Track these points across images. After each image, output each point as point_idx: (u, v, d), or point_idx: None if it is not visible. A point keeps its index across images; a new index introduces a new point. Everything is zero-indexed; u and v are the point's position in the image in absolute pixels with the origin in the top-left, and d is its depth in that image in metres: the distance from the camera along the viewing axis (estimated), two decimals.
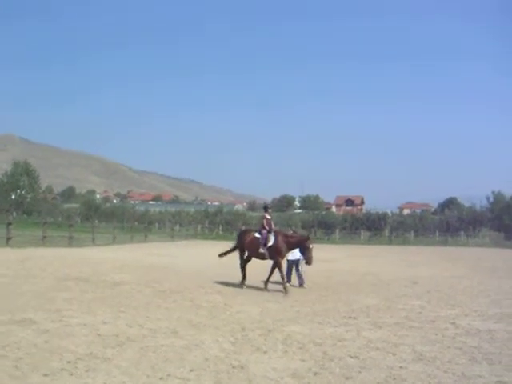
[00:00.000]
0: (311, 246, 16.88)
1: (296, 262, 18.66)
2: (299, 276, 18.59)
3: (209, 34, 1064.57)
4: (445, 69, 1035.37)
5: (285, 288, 16.58)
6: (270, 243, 17.04)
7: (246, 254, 18.06)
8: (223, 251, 19.10)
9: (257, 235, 17.57)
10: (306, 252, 16.85)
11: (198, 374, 7.49)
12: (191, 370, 7.66)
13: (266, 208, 18.84)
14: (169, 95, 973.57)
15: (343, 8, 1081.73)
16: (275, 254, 17.02)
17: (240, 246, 18.20)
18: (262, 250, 17.19)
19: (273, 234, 17.23)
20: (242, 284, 17.64)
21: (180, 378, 7.29)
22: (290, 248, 17.33)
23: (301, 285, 18.30)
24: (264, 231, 17.34)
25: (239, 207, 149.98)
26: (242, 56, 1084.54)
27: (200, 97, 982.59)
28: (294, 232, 21.28)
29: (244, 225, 72.92)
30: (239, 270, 18.03)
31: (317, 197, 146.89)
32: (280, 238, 17.06)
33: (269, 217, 17.82)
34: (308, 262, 16.92)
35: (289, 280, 18.36)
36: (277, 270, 17.04)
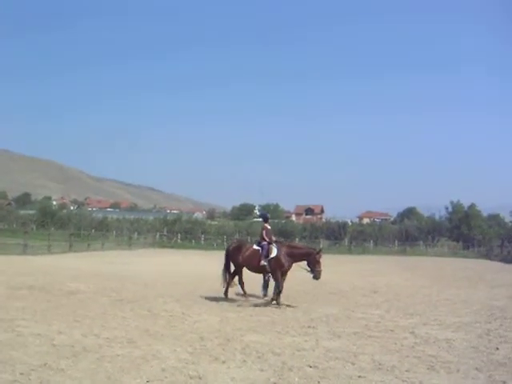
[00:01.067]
0: (321, 259, 16.10)
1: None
2: (267, 286, 17.52)
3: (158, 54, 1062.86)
4: (403, 79, 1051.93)
5: (278, 301, 15.80)
6: (273, 255, 16.19)
7: (242, 268, 17.07)
8: (227, 280, 17.20)
9: (256, 247, 16.73)
10: (316, 265, 15.93)
11: None
12: (148, 381, 7.53)
13: (265, 218, 17.87)
14: (128, 104, 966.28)
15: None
16: (276, 266, 16.16)
17: (235, 261, 17.02)
18: (263, 262, 16.22)
19: (275, 245, 16.53)
20: (225, 295, 16.85)
21: None
22: (296, 260, 16.30)
23: (265, 295, 17.37)
24: (264, 243, 16.56)
25: (198, 215, 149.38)
26: (197, 70, 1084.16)
27: (158, 106, 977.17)
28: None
29: (204, 233, 72.81)
30: (221, 281, 17.27)
31: (276, 205, 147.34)
32: (283, 250, 16.29)
33: (269, 227, 17.13)
34: (316, 276, 16.03)
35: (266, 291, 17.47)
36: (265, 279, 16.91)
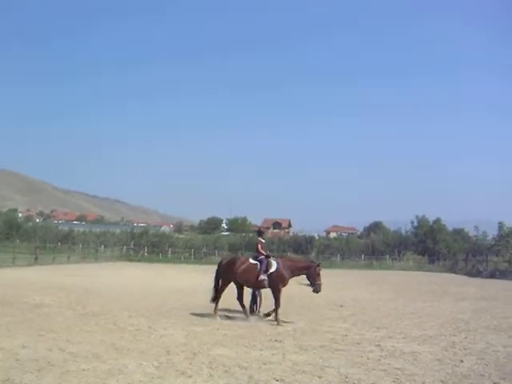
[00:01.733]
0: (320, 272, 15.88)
1: None
2: (256, 300, 17.05)
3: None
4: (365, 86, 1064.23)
5: (277, 319, 15.21)
6: (273, 269, 15.60)
7: (238, 284, 16.22)
8: (213, 295, 16.29)
9: (253, 261, 15.94)
10: (316, 279, 15.70)
11: None
12: None
13: (260, 233, 17.48)
14: (90, 109, 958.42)
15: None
16: (278, 281, 15.62)
17: (229, 277, 16.01)
18: (262, 277, 15.50)
19: (273, 259, 16.06)
20: (247, 315, 15.93)
21: None
22: (295, 274, 15.95)
23: (253, 310, 16.82)
24: (262, 257, 15.94)
25: (166, 228, 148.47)
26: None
27: (122, 119, 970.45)
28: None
29: (171, 247, 72.29)
30: (208, 298, 16.42)
31: (244, 219, 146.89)
32: (282, 264, 15.79)
33: (263, 241, 16.73)
34: (317, 289, 15.79)
35: (255, 306, 16.94)
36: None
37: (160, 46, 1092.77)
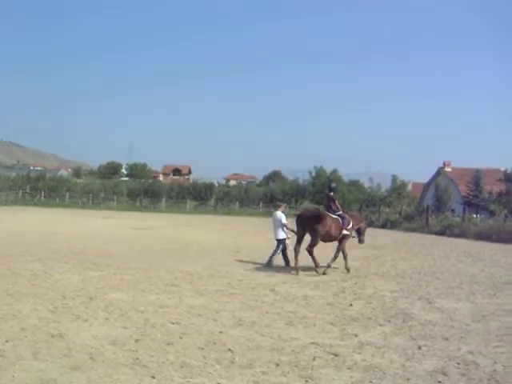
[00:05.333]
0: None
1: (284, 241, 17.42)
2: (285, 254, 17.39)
3: None
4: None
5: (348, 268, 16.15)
6: (351, 225, 16.47)
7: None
8: (296, 251, 15.85)
9: (334, 216, 16.04)
10: (363, 232, 17.71)
11: (15, 345, 7.22)
12: (7, 341, 7.37)
13: (332, 188, 17.15)
14: None
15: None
16: (348, 235, 16.59)
17: (317, 230, 15.45)
18: (346, 232, 16.16)
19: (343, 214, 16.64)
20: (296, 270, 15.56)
21: None
22: (353, 228, 17.03)
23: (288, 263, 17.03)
24: (340, 212, 16.51)
25: (64, 173, 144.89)
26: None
27: (24, 55, 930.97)
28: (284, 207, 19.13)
29: (69, 191, 70.66)
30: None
31: (144, 165, 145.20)
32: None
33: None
34: (363, 241, 17.90)
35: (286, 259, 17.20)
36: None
37: None
